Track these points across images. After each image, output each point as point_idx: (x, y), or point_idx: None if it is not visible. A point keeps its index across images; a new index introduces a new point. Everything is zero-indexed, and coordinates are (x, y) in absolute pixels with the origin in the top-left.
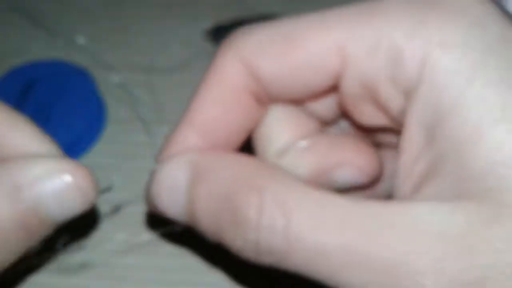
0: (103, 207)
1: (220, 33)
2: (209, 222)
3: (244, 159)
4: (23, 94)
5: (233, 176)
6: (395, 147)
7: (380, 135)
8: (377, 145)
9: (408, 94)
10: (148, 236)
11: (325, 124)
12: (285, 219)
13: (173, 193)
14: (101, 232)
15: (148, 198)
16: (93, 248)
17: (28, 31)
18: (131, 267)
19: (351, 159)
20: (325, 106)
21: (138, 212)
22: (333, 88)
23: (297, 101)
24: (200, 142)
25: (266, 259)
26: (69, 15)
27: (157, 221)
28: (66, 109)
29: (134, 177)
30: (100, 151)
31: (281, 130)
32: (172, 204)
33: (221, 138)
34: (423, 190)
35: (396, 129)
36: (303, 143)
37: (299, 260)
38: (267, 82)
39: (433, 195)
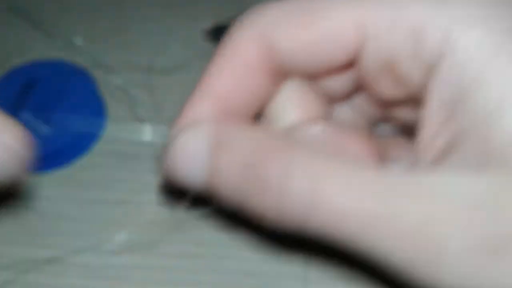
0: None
1: (220, 33)
2: (232, 189)
3: (265, 129)
4: (23, 94)
5: (258, 144)
6: (410, 120)
7: (397, 109)
8: (393, 120)
9: (429, 69)
10: (150, 236)
11: (337, 100)
12: (312, 184)
13: (193, 161)
14: (102, 232)
15: (166, 167)
16: (93, 249)
17: (28, 31)
18: (131, 267)
19: (353, 154)
20: (339, 81)
21: (138, 211)
22: (350, 64)
23: (313, 76)
24: (214, 111)
25: (290, 223)
26: (68, 15)
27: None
28: (66, 109)
29: (134, 177)
30: (100, 151)
31: (291, 108)
32: (192, 172)
33: (234, 110)
34: (445, 162)
35: (414, 101)
36: (315, 129)
37: (323, 224)
38: (284, 57)
39: (455, 166)
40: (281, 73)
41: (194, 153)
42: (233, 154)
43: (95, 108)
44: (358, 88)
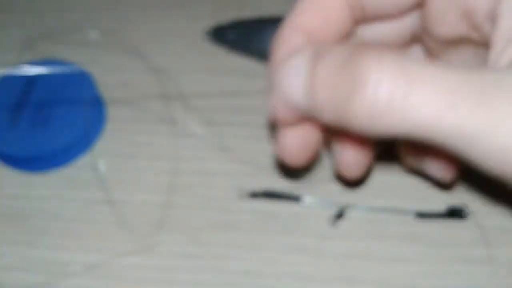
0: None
1: (220, 33)
2: (328, 94)
3: (350, 43)
4: (23, 94)
5: (352, 49)
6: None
7: (452, 52)
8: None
9: None
10: (150, 236)
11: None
12: (407, 85)
13: (295, 75)
14: (101, 233)
15: (275, 92)
16: (94, 249)
17: (28, 31)
18: (131, 267)
19: None
20: (403, 27)
21: (138, 211)
22: (419, 5)
23: (386, 18)
24: (304, 43)
25: (380, 124)
26: (69, 15)
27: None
28: (66, 109)
29: (134, 177)
30: (100, 151)
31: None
32: (296, 86)
33: (321, 42)
34: None
35: (473, 40)
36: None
37: (414, 126)
38: None
39: None
40: (359, 15)
41: (296, 68)
42: (329, 59)
43: (95, 108)
44: (414, 38)
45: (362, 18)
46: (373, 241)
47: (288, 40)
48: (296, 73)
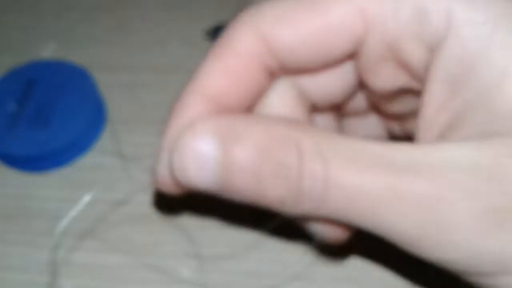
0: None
1: (220, 33)
2: (246, 181)
3: (269, 116)
4: (23, 94)
5: (267, 133)
6: (403, 113)
7: (394, 103)
8: (391, 117)
9: (433, 48)
10: (150, 236)
11: (322, 107)
12: (324, 165)
13: (202, 160)
14: (101, 230)
15: (173, 172)
16: (93, 249)
17: (28, 31)
18: (131, 267)
19: None
20: (335, 78)
21: (138, 211)
22: (350, 57)
23: (309, 71)
24: (208, 109)
25: (306, 208)
26: (69, 15)
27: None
28: (66, 109)
29: (134, 177)
30: (100, 151)
31: (280, 107)
32: (205, 175)
33: (227, 107)
34: (449, 136)
35: (413, 90)
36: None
37: (339, 204)
38: (284, 52)
39: (460, 139)
40: (278, 70)
41: (202, 153)
42: (243, 146)
43: (95, 108)
44: (350, 94)
45: (285, 72)
46: (373, 241)
47: (189, 108)
48: (204, 160)
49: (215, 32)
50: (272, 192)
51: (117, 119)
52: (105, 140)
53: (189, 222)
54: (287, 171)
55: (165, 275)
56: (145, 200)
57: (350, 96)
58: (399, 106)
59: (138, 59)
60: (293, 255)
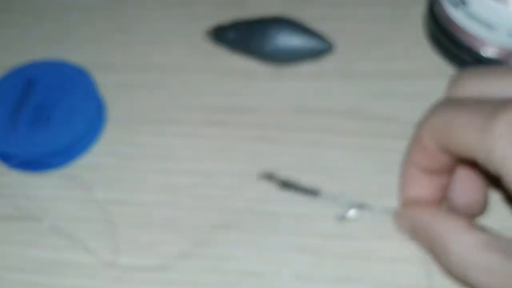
0: None
1: (220, 33)
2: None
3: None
4: (23, 94)
5: (435, 229)
6: None
7: None
8: None
9: None
10: (150, 236)
11: None
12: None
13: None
14: (102, 232)
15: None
16: (94, 248)
17: (28, 31)
18: (131, 268)
19: None
20: None
21: (138, 211)
22: None
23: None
24: (427, 189)
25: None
26: (69, 15)
27: None
28: (66, 109)
29: (134, 177)
30: (100, 151)
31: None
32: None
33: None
34: None
35: None
36: None
37: None
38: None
39: None
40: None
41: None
42: (418, 236)
43: (95, 108)
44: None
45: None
46: (373, 241)
47: (416, 188)
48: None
49: (215, 32)
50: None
51: (117, 119)
52: (105, 140)
53: None
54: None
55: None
56: (145, 200)
57: None
58: None
59: (138, 59)
60: None
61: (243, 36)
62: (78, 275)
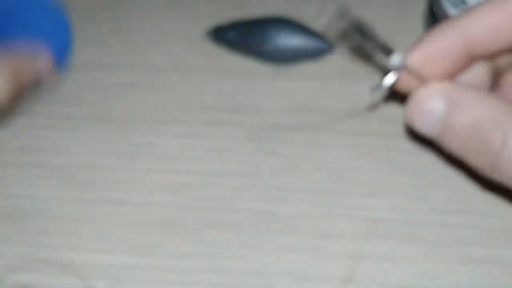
0: None
1: (220, 33)
2: (458, 145)
3: (489, 99)
4: None
5: (483, 113)
6: None
7: None
8: None
9: None
10: (150, 236)
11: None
12: None
13: (429, 117)
14: (101, 232)
15: (406, 114)
16: (93, 248)
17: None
18: (131, 267)
19: None
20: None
21: (138, 211)
22: None
23: (495, 55)
24: (457, 48)
25: (498, 178)
26: (69, 15)
27: None
28: (21, 30)
29: (134, 177)
30: (100, 151)
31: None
32: (427, 126)
33: (473, 56)
34: None
35: None
36: None
37: None
38: (478, 40)
39: None
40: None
41: (431, 111)
42: (463, 118)
43: (57, 30)
44: None
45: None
46: (373, 241)
47: (442, 39)
48: (432, 114)
49: (215, 32)
50: (474, 160)
51: (117, 118)
52: (105, 140)
53: None
54: (490, 151)
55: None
56: (145, 200)
57: None
58: None
59: (138, 59)
60: None
61: (243, 36)
62: (78, 275)
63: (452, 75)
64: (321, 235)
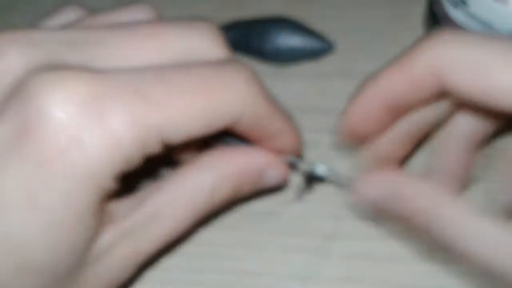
0: None
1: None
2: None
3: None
4: None
5: (415, 204)
6: None
7: None
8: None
9: None
10: None
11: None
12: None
13: (363, 203)
14: None
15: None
16: None
17: None
18: None
19: None
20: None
21: None
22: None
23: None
24: (380, 114)
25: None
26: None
27: None
28: None
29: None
30: None
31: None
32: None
33: (396, 117)
34: None
35: None
36: None
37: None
38: (397, 100)
39: None
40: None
41: (370, 198)
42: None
43: None
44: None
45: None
46: (373, 241)
47: (366, 108)
48: (364, 204)
49: None
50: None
51: None
52: None
53: None
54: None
55: None
56: None
57: None
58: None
59: None
60: None
61: (243, 36)
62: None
63: (380, 131)
64: (321, 235)
